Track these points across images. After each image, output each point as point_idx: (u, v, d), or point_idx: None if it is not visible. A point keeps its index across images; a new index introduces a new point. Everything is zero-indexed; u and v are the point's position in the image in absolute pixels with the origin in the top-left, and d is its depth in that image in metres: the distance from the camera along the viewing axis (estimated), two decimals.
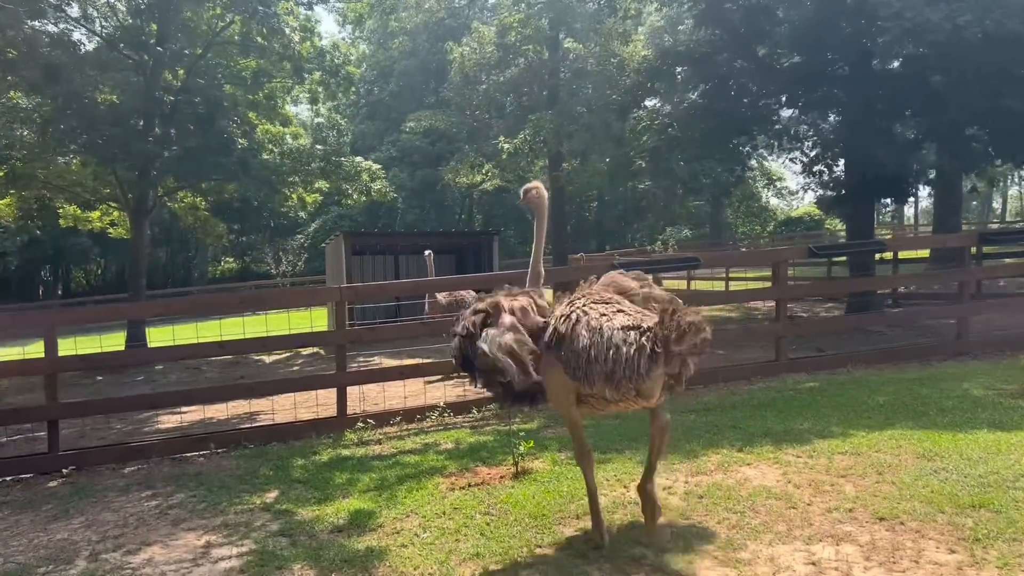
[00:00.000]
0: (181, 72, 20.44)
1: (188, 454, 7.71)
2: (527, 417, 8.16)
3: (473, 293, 9.12)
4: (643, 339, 3.83)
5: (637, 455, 6.19)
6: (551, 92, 22.62)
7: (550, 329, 4.22)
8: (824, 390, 8.36)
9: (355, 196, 22.30)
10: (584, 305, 4.19)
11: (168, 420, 9.94)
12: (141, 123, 18.74)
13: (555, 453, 6.48)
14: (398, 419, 8.26)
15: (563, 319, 4.17)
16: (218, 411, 10.07)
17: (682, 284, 26.28)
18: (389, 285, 10.71)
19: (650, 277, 4.69)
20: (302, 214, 46.36)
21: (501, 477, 5.95)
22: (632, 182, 29.89)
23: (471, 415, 8.42)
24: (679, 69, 16.80)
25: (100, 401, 8.97)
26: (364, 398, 9.82)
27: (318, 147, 21.78)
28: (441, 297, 11.54)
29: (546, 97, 23.65)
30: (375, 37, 56.29)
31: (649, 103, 18.08)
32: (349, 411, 8.33)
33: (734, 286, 22.45)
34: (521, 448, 5.99)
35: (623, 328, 3.93)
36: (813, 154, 16.66)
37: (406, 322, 13.26)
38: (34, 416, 7.65)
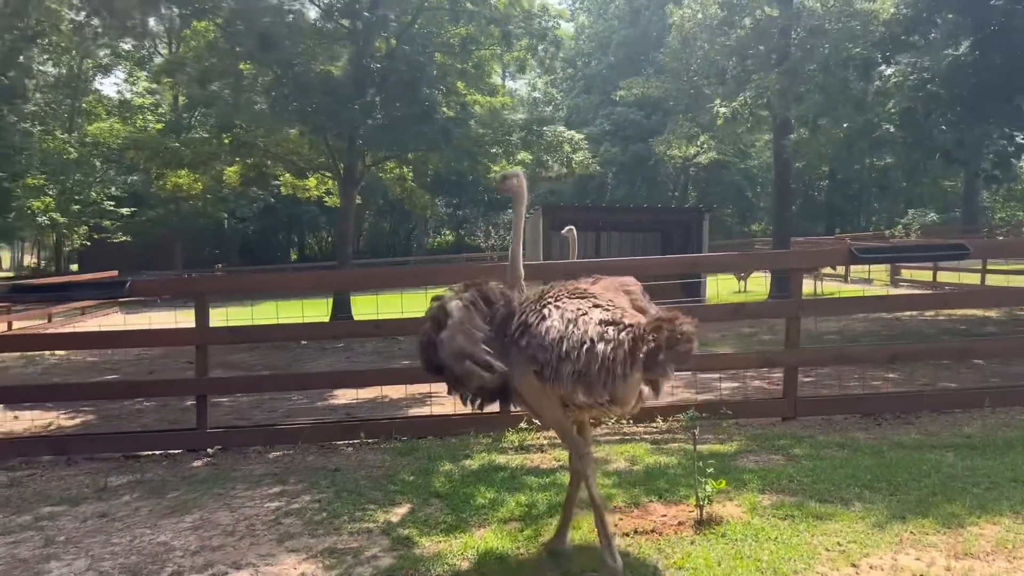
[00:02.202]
0: (393, 41, 20.34)
1: (337, 442, 6.97)
2: (723, 434, 6.62)
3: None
4: (622, 335, 3.53)
5: (874, 511, 4.54)
6: (780, 53, 20.16)
7: (516, 319, 3.83)
8: None
9: (555, 168, 21.29)
10: (558, 295, 3.87)
11: (345, 396, 9.43)
12: (350, 92, 18.80)
13: (755, 495, 4.94)
14: None
15: (532, 308, 3.83)
16: (396, 391, 9.42)
17: (927, 275, 22.90)
18: (550, 265, 9.39)
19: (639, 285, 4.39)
20: None
21: (679, 524, 4.53)
22: (870, 159, 26.50)
23: (654, 425, 7.01)
24: (941, 18, 13.99)
25: (249, 378, 8.57)
26: None
27: (519, 116, 20.93)
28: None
29: (774, 60, 21.21)
30: (594, 7, 55.00)
31: (902, 59, 15.32)
32: (516, 409, 7.20)
33: (993, 280, 19.01)
34: (708, 488, 4.53)
35: (601, 323, 3.62)
36: None
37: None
38: (183, 389, 7.26)
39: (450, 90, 20.36)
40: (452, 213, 60.13)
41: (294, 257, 57.00)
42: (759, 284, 22.60)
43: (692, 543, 4.23)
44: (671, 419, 7.03)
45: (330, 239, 60.00)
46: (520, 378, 3.82)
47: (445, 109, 20.01)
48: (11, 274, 58.16)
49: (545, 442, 6.61)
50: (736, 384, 9.16)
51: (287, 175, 23.41)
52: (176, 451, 6.91)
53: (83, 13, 23.13)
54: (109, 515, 5.23)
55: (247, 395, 9.16)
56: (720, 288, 21.58)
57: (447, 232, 63.65)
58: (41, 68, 44.20)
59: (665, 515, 4.72)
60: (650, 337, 3.48)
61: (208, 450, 6.82)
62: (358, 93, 18.75)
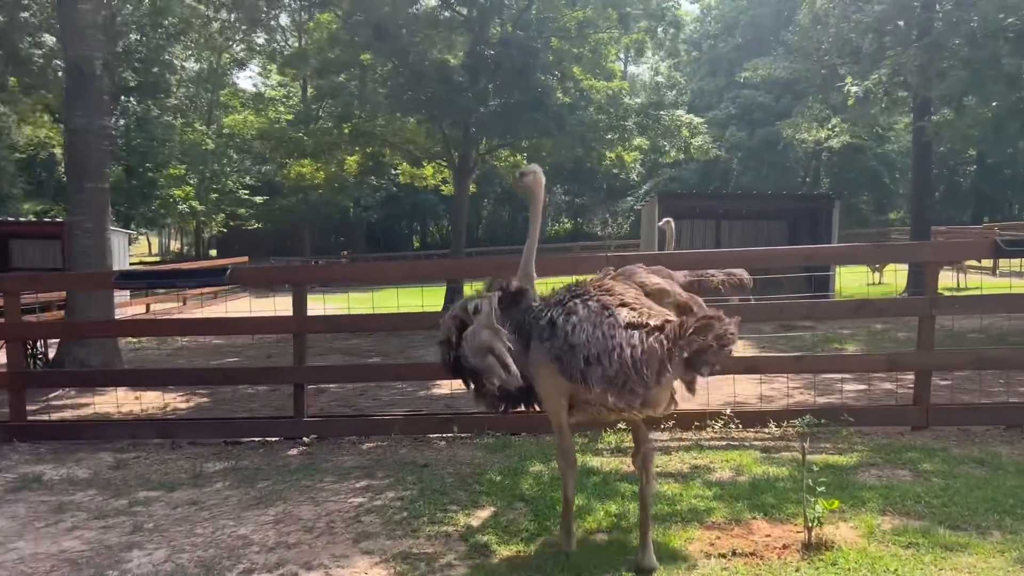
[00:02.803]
0: (509, 27, 20.15)
1: (430, 435, 6.83)
2: (843, 443, 6.02)
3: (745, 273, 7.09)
4: (652, 340, 3.45)
5: (1016, 543, 3.94)
6: (922, 28, 18.61)
7: (543, 318, 3.79)
8: None
9: (672, 153, 20.53)
10: (584, 294, 3.78)
11: (448, 387, 9.30)
12: (464, 80, 18.76)
13: (874, 517, 4.41)
14: (670, 424, 6.59)
15: (558, 306, 3.77)
16: None
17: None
18: (660, 255, 8.83)
19: (676, 274, 4.49)
20: (634, 176, 45.36)
21: (784, 547, 4.07)
22: None
23: (766, 431, 6.47)
24: None
25: (345, 367, 8.56)
26: None
27: (635, 100, 20.29)
28: (680, 275, 9.30)
29: (914, 36, 19.64)
30: None
31: None
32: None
33: None
34: (819, 507, 4.04)
35: (629, 325, 3.53)
36: None
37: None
38: (280, 377, 7.30)
39: (565, 75, 19.97)
40: (570, 201, 59.68)
41: (416, 245, 58.13)
42: (899, 276, 21.10)
43: (797, 571, 3.77)
44: (785, 424, 6.48)
45: (448, 227, 60.99)
46: (540, 377, 3.84)
47: (560, 95, 19.65)
48: (158, 258, 62.10)
49: None
50: (862, 387, 8.40)
51: (404, 164, 23.71)
52: (274, 439, 6.95)
53: (221, 10, 24.16)
54: (199, 503, 5.25)
55: (352, 383, 9.19)
56: (852, 281, 20.27)
57: (565, 220, 63.29)
58: (183, 64, 46.67)
59: (769, 535, 4.27)
60: (679, 340, 3.38)
61: (304, 439, 6.81)
62: (472, 81, 18.70)
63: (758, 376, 8.01)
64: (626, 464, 5.69)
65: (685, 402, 7.28)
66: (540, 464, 5.77)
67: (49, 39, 17.21)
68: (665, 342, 3.40)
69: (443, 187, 24.78)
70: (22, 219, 30.02)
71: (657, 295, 4.00)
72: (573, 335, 3.60)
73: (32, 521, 4.96)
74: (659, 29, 20.32)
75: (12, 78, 18.69)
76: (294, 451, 6.62)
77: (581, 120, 18.93)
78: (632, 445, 6.16)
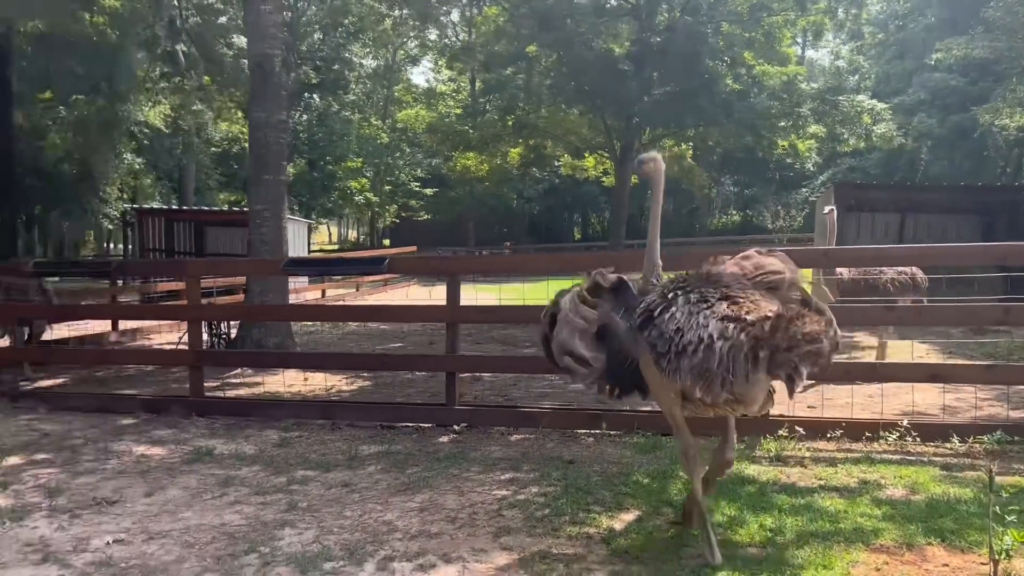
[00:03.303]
0: (676, 13, 19.59)
1: (579, 431, 6.69)
2: None
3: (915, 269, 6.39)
4: (742, 335, 3.37)
5: None
6: None
7: (641, 308, 3.77)
8: None
9: (851, 141, 19.20)
10: (687, 284, 3.74)
11: None
12: (629, 68, 18.44)
13: None
14: (838, 433, 6.09)
15: (657, 297, 3.76)
16: None
17: None
18: (831, 251, 8.13)
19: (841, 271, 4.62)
20: (809, 165, 43.01)
21: None
22: None
23: (948, 447, 5.84)
24: None
25: (495, 358, 8.55)
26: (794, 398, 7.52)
27: (812, 86, 19.13)
28: (845, 272, 8.44)
29: None
30: None
31: None
32: (774, 412, 6.41)
33: None
34: (1008, 538, 3.53)
35: (723, 318, 3.46)
36: None
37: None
38: (432, 365, 7.41)
39: (735, 61, 19.20)
40: (739, 192, 57.55)
41: (577, 236, 58.13)
42: None
43: None
44: (971, 440, 5.82)
45: (610, 218, 60.51)
46: (644, 366, 3.79)
47: (729, 81, 18.89)
48: (336, 246, 65.84)
49: (807, 455, 5.78)
50: None
51: (566, 156, 23.71)
52: (426, 425, 7.06)
53: (394, 7, 25.13)
54: (351, 485, 5.39)
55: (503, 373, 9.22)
56: None
57: (733, 212, 61.13)
58: (361, 61, 49.06)
59: (947, 564, 3.81)
60: (772, 336, 3.32)
61: (455, 427, 6.87)
62: (637, 69, 18.35)
63: (941, 385, 7.26)
64: (784, 474, 5.31)
65: (859, 410, 6.77)
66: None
67: (239, 40, 18.53)
68: (755, 338, 3.34)
69: (604, 178, 24.60)
70: (215, 208, 32.59)
71: (781, 287, 3.80)
72: (666, 324, 3.57)
73: (201, 493, 5.26)
74: (839, 10, 19.16)
75: (206, 77, 20.30)
76: (445, 438, 6.68)
77: (751, 107, 18.12)
78: (792, 454, 5.77)
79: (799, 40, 34.46)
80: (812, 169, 44.58)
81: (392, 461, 5.98)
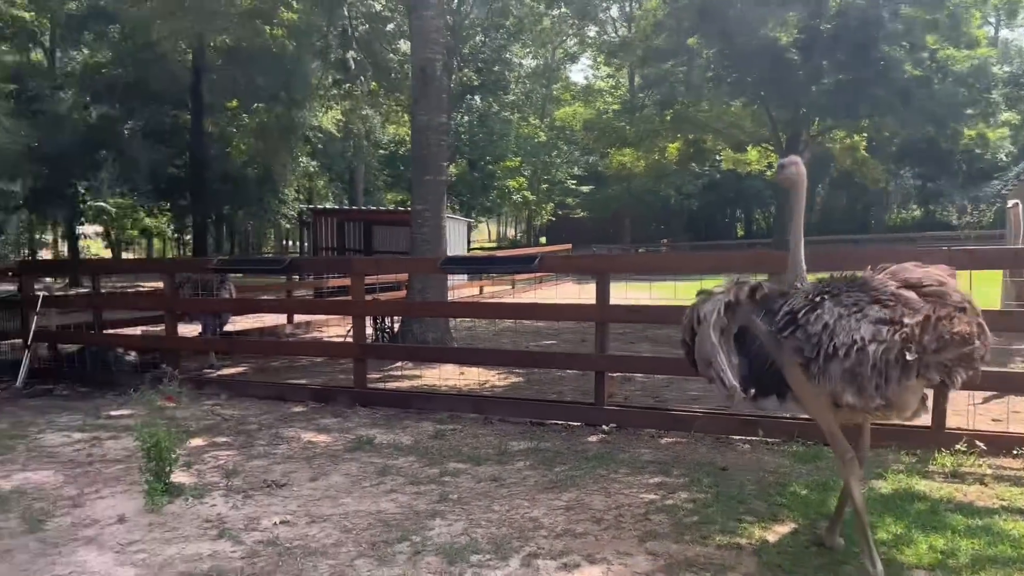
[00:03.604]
0: None
1: (733, 436, 6.48)
2: None
3: None
4: (896, 337, 3.28)
5: None
6: None
7: (784, 309, 3.68)
8: None
9: None
10: (833, 289, 3.64)
11: None
12: (796, 57, 17.60)
13: None
14: None
15: (802, 300, 3.66)
16: None
17: None
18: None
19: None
20: (1002, 156, 39.39)
21: None
22: None
23: None
24: None
25: (644, 358, 8.36)
26: (974, 408, 6.82)
27: (1004, 68, 17.48)
28: None
29: None
30: None
31: None
32: (951, 424, 5.93)
33: None
34: None
35: (876, 321, 3.37)
36: None
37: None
38: (582, 364, 7.39)
39: (915, 46, 17.83)
40: (921, 186, 53.58)
41: (740, 233, 56.25)
42: None
43: None
44: None
45: (775, 214, 57.96)
46: (788, 371, 3.72)
47: (908, 67, 17.60)
48: (494, 244, 67.24)
49: (988, 472, 5.30)
50: None
51: (727, 150, 22.97)
52: (575, 423, 7.06)
53: (553, 6, 25.34)
54: (500, 480, 5.48)
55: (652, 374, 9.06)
56: None
57: (914, 207, 57.03)
58: (521, 61, 49.77)
59: None
60: (924, 339, 3.27)
61: (604, 427, 6.84)
62: (805, 58, 17.48)
63: None
64: (961, 492, 4.90)
65: None
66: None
67: (404, 45, 19.27)
68: (906, 340, 3.28)
69: (768, 172, 23.58)
70: (382, 208, 34.12)
71: (935, 298, 3.55)
72: (814, 327, 3.50)
73: (360, 480, 5.52)
74: None
75: (374, 83, 21.26)
76: (593, 438, 6.66)
77: (932, 94, 16.81)
78: (970, 471, 5.30)
79: (991, 20, 31.63)
80: (1005, 160, 40.83)
81: (541, 458, 6.02)
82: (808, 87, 16.88)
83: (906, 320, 3.36)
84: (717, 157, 24.67)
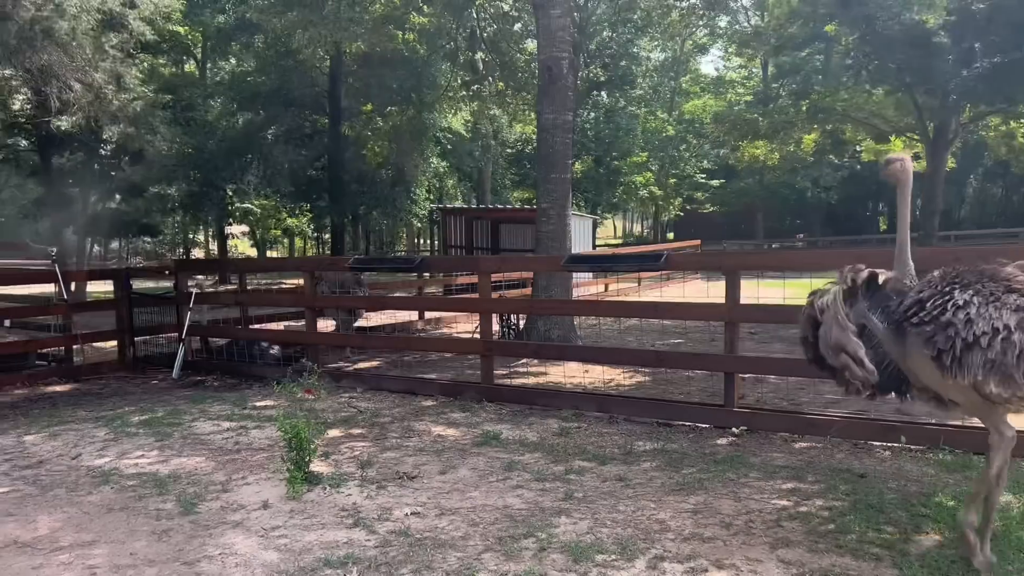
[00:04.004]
0: None
1: (873, 442, 6.17)
2: None
3: None
4: None
5: None
6: None
7: (910, 300, 3.62)
8: None
9: None
10: (961, 275, 3.54)
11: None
12: (945, 40, 16.51)
13: None
14: None
15: (930, 291, 3.56)
16: None
17: None
18: None
19: None
20: None
21: None
22: None
23: None
24: None
25: (775, 360, 8.01)
26: None
27: None
28: None
29: None
30: None
31: None
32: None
33: None
34: None
35: (1016, 308, 3.31)
36: None
37: None
38: (711, 364, 7.22)
39: None
40: None
41: (883, 227, 53.35)
42: None
43: None
44: None
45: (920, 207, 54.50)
46: (916, 364, 3.64)
47: None
48: (619, 241, 66.71)
49: None
50: None
51: (868, 140, 21.83)
52: (703, 425, 6.93)
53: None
54: (625, 480, 5.45)
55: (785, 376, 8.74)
56: None
57: None
58: (648, 55, 49.09)
59: None
60: None
61: (733, 429, 6.67)
62: (955, 41, 16.37)
63: None
64: None
65: None
66: (1009, 495, 4.81)
67: (531, 45, 19.43)
68: None
69: (914, 163, 22.26)
70: (508, 207, 34.54)
71: None
72: (949, 317, 3.41)
73: (487, 475, 5.63)
74: None
75: (500, 83, 21.53)
76: (722, 440, 6.51)
77: None
78: None
79: None
80: None
81: (667, 459, 5.95)
82: (959, 71, 15.77)
83: None
84: (857, 148, 23.47)
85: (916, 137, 20.05)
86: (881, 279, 4.00)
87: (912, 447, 5.95)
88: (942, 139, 17.91)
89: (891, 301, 3.81)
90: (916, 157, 22.59)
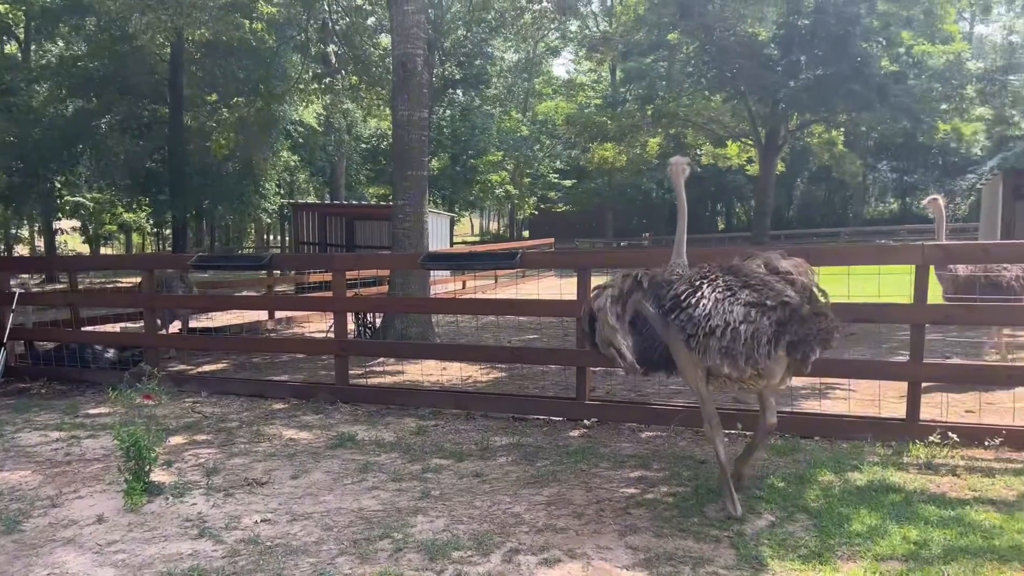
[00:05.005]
0: None
1: None
2: None
3: None
4: (764, 319, 4.01)
5: None
6: None
7: (670, 292, 4.33)
8: None
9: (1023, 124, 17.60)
10: (711, 275, 4.29)
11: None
12: (775, 53, 17.72)
13: None
14: (997, 441, 5.65)
15: (684, 283, 4.31)
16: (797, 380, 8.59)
17: None
18: (993, 247, 7.57)
19: (959, 268, 5.87)
20: (976, 151, 39.83)
21: None
22: None
23: None
24: None
25: None
26: (949, 401, 6.93)
27: (978, 64, 17.68)
28: (961, 270, 7.79)
29: None
30: None
31: None
32: (925, 416, 6.03)
33: None
34: None
35: (746, 304, 4.06)
36: None
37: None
38: (563, 359, 7.44)
39: (891, 42, 18.01)
40: (898, 179, 54.20)
41: (721, 227, 56.63)
42: None
43: None
44: None
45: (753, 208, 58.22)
46: (674, 347, 4.37)
47: (884, 63, 17.77)
48: (477, 238, 67.16)
49: (961, 463, 5.39)
50: None
51: (707, 144, 23.09)
52: (557, 418, 7.10)
53: (535, 1, 25.27)
54: (482, 475, 5.50)
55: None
56: None
57: (891, 200, 57.69)
58: (503, 55, 49.69)
59: None
60: (788, 321, 4.00)
61: (585, 421, 6.88)
62: (783, 53, 17.61)
63: None
64: (934, 483, 4.99)
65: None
66: (831, 474, 5.24)
67: (385, 39, 19.21)
68: (775, 323, 4.00)
69: (748, 167, 23.76)
70: (364, 203, 34.00)
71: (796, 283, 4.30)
72: (695, 310, 4.13)
73: (342, 477, 5.53)
74: None
75: (354, 77, 21.15)
76: (575, 432, 6.70)
77: (908, 90, 16.98)
78: (943, 462, 5.40)
79: (966, 15, 31.96)
80: (980, 154, 41.28)
81: (522, 453, 6.06)
82: (786, 82, 16.98)
83: (770, 303, 4.05)
84: (698, 152, 24.80)
85: (750, 142, 21.41)
86: (654, 272, 4.65)
87: (747, 433, 6.32)
88: (772, 144, 19.20)
89: (662, 290, 4.45)
90: (749, 161, 24.12)
